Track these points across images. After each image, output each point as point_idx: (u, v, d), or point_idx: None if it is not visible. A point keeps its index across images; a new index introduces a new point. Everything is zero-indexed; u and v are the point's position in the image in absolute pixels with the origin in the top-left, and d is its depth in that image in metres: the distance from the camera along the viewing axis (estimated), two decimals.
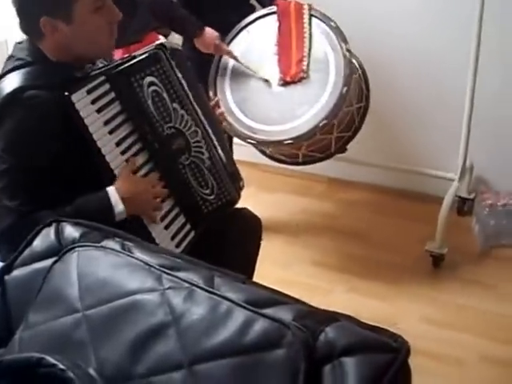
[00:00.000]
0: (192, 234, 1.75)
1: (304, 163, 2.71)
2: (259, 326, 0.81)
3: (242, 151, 2.76)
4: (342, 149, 2.67)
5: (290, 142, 2.43)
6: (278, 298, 0.86)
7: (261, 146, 2.65)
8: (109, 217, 1.54)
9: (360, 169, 3.20)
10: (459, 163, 2.85)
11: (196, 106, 1.76)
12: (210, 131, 1.79)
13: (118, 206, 1.55)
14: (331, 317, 0.83)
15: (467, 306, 2.55)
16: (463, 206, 3.03)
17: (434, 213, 2.77)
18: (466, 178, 2.95)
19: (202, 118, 1.77)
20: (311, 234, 3.01)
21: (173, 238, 1.69)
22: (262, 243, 2.86)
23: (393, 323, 2.44)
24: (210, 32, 2.53)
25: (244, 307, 0.83)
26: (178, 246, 1.70)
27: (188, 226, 1.74)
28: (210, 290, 0.87)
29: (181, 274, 0.92)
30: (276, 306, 0.84)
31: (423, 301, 2.58)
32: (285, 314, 0.82)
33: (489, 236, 2.85)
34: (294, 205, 3.22)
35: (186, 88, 1.73)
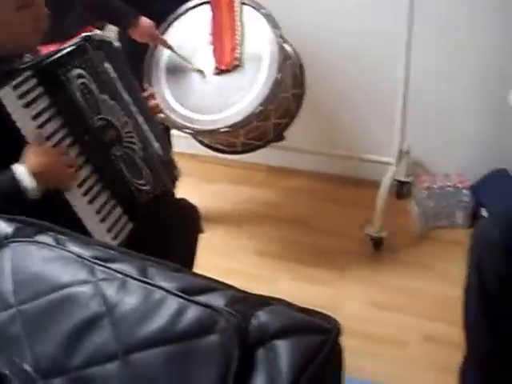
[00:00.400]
0: (130, 225, 1.75)
1: (242, 151, 2.72)
2: (192, 313, 0.81)
3: (181, 142, 2.76)
4: (280, 136, 2.69)
5: (226, 130, 2.44)
6: (210, 285, 0.86)
7: (198, 135, 2.65)
8: (20, 195, 1.52)
9: (298, 156, 3.23)
10: (396, 147, 2.91)
11: (127, 97, 1.75)
12: (142, 121, 1.78)
13: (29, 183, 1.53)
14: (263, 301, 0.84)
15: (409, 287, 2.61)
16: (402, 190, 3.09)
17: (374, 197, 2.82)
18: (403, 161, 3.00)
19: (134, 108, 1.77)
20: (254, 224, 3.03)
21: (109, 230, 1.69)
22: (205, 234, 2.87)
23: (338, 308, 2.49)
24: (145, 21, 2.50)
25: (177, 295, 0.83)
26: (115, 238, 1.70)
27: (125, 218, 1.75)
28: (143, 279, 0.87)
29: (114, 266, 0.91)
30: (209, 293, 0.84)
31: (367, 284, 2.63)
32: (217, 300, 0.83)
33: (428, 218, 2.91)
34: (235, 194, 3.23)
35: (116, 79, 1.72)
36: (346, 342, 2.53)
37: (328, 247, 2.84)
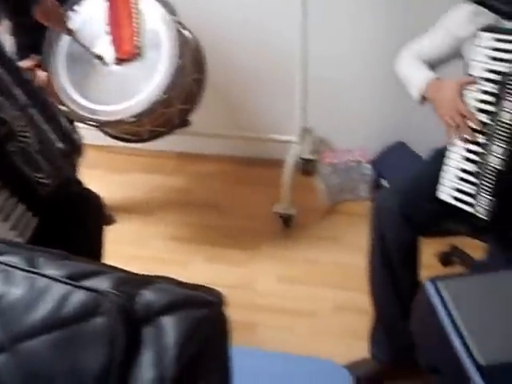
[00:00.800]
0: (34, 221, 1.73)
1: (149, 139, 2.71)
2: (76, 298, 0.82)
3: (86, 134, 2.72)
4: (185, 121, 2.70)
5: (132, 119, 2.43)
6: (97, 269, 0.87)
7: (103, 126, 2.63)
8: None
9: (205, 141, 3.25)
10: (298, 126, 2.96)
11: (17, 91, 1.71)
12: (35, 113, 1.75)
13: None
14: (148, 280, 0.86)
15: (319, 260, 2.69)
16: (307, 167, 3.14)
17: (281, 176, 2.86)
18: (306, 139, 3.06)
19: (26, 102, 1.73)
20: (166, 211, 3.03)
21: (13, 228, 1.67)
22: (118, 224, 2.87)
23: (252, 286, 2.55)
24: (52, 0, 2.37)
25: (63, 282, 0.84)
26: (19, 235, 1.68)
27: (29, 214, 1.72)
28: (29, 269, 0.88)
29: (0, 258, 0.91)
30: (95, 277, 0.85)
31: (278, 261, 2.70)
32: (103, 283, 0.84)
33: (333, 193, 2.99)
34: (145, 183, 3.22)
35: (3, 73, 1.69)
36: (262, 317, 2.61)
37: (239, 228, 2.88)
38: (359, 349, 2.17)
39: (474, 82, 1.79)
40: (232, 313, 2.58)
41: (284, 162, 2.91)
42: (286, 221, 2.84)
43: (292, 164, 2.87)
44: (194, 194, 3.15)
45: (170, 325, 0.81)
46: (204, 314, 0.83)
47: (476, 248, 2.30)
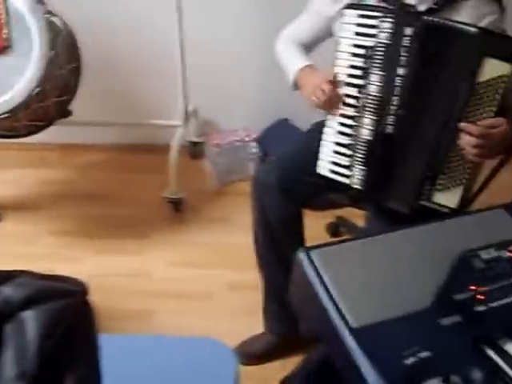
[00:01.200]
0: None
1: (27, 134, 2.64)
2: None
3: None
4: (64, 112, 2.64)
5: (6, 115, 2.36)
6: None
7: None
8: None
9: (88, 130, 3.18)
10: (182, 109, 2.95)
11: None
12: None
13: None
14: (8, 275, 0.84)
15: (211, 242, 2.71)
16: (194, 150, 3.15)
17: (168, 161, 2.85)
18: (191, 122, 3.05)
19: None
20: (51, 205, 2.95)
21: None
22: (1, 223, 2.76)
23: (147, 273, 2.53)
24: None
25: None
26: None
27: None
28: None
29: None
30: None
31: (171, 246, 2.70)
32: None
33: (222, 174, 3.01)
34: (28, 178, 3.12)
35: None
36: (158, 303, 2.57)
37: (129, 217, 2.86)
38: (256, 326, 2.20)
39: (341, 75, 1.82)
40: (127, 301, 2.58)
41: (169, 146, 2.88)
42: (176, 205, 2.84)
43: (178, 148, 2.85)
44: (79, 185, 3.08)
45: (30, 319, 0.79)
46: (65, 305, 0.82)
47: (362, 217, 2.38)
